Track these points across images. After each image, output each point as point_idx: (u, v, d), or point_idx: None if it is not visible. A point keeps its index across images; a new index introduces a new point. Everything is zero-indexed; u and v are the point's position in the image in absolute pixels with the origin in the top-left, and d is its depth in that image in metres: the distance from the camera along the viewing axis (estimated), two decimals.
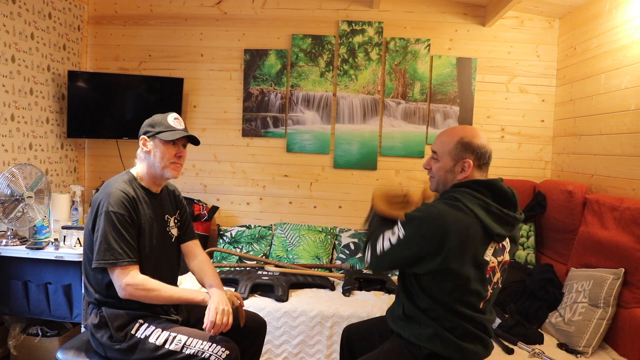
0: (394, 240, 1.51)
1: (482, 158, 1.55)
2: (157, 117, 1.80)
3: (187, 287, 2.74)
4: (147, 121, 1.81)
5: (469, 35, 3.43)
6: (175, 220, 1.93)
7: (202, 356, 1.61)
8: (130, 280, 1.63)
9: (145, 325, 1.68)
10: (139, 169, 1.82)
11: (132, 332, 1.67)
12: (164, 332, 1.66)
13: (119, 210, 1.65)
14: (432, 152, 1.63)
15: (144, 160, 1.80)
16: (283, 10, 3.52)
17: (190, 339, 1.65)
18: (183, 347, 1.63)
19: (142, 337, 1.66)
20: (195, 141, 1.85)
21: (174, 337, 1.65)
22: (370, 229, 1.70)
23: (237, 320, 1.82)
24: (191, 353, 1.62)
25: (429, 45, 3.42)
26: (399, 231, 1.50)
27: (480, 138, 1.56)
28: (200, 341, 1.64)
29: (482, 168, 1.57)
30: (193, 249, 2.00)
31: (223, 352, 1.62)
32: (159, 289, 1.67)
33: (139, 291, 1.64)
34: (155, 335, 1.65)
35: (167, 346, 1.63)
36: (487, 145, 1.56)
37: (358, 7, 3.47)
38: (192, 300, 1.73)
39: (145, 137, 1.77)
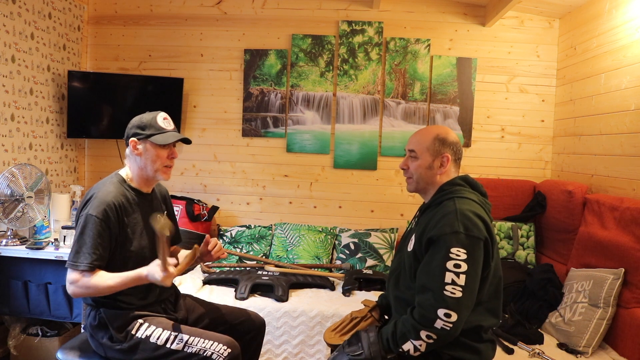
0: (461, 277, 1.41)
1: (457, 152, 1.64)
2: (145, 118, 1.76)
3: (187, 287, 2.74)
4: (134, 122, 1.77)
5: (469, 35, 3.43)
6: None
7: (204, 354, 1.61)
8: (72, 278, 1.60)
9: (146, 325, 1.68)
10: (128, 170, 1.80)
11: (133, 332, 1.67)
12: (165, 331, 1.66)
13: (98, 215, 1.63)
14: (408, 152, 1.68)
15: (134, 162, 1.77)
16: (283, 10, 3.52)
17: (192, 338, 1.65)
18: (184, 345, 1.63)
19: (143, 337, 1.65)
20: (187, 141, 1.83)
21: (175, 336, 1.65)
22: (397, 341, 1.49)
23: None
24: (193, 352, 1.62)
25: (429, 45, 3.42)
26: (461, 264, 1.42)
27: (453, 134, 1.66)
28: (202, 340, 1.64)
29: (457, 162, 1.66)
30: (177, 250, 2.06)
31: (225, 350, 1.62)
32: (95, 285, 1.59)
33: (79, 289, 1.60)
34: (156, 334, 1.65)
35: (168, 345, 1.63)
36: (460, 141, 1.66)
37: (358, 7, 3.47)
38: (136, 279, 1.62)
39: (135, 139, 1.74)
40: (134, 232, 1.73)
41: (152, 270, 1.58)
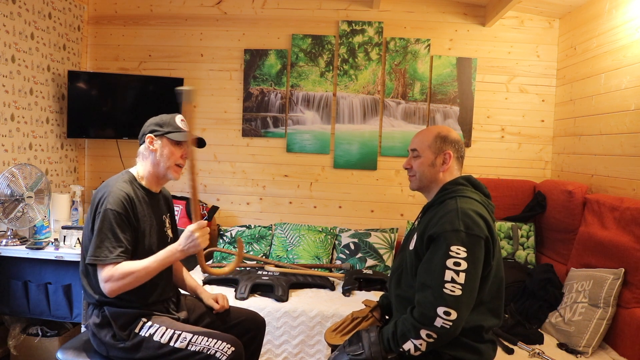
0: (461, 275, 1.41)
1: (459, 150, 1.66)
2: (164, 117, 1.81)
3: None
4: (152, 120, 1.82)
5: (469, 35, 3.43)
6: (169, 222, 1.94)
7: (208, 353, 1.62)
8: (107, 275, 1.59)
9: (149, 323, 1.69)
10: (139, 169, 1.82)
11: (136, 330, 1.67)
12: (169, 329, 1.67)
13: (117, 209, 1.64)
14: (411, 152, 1.70)
15: (147, 158, 1.80)
16: (283, 10, 3.52)
17: (195, 336, 1.65)
18: (188, 344, 1.64)
19: (147, 335, 1.66)
20: (202, 144, 1.86)
21: (179, 335, 1.65)
22: (398, 341, 1.49)
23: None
24: (196, 350, 1.62)
25: (429, 45, 3.42)
26: (461, 263, 1.42)
27: (455, 133, 1.67)
28: (206, 338, 1.65)
29: (460, 161, 1.67)
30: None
31: (229, 348, 1.63)
32: (132, 270, 1.60)
33: (116, 282, 1.59)
34: (159, 333, 1.66)
35: (172, 344, 1.64)
36: (461, 140, 1.68)
37: (358, 7, 3.47)
38: (170, 259, 1.65)
39: (152, 135, 1.78)
40: (144, 229, 1.74)
41: (183, 239, 1.65)
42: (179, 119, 1.82)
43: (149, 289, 1.75)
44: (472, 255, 1.43)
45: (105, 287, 1.61)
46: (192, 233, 1.64)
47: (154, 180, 1.83)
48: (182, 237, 1.66)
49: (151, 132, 1.79)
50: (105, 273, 1.60)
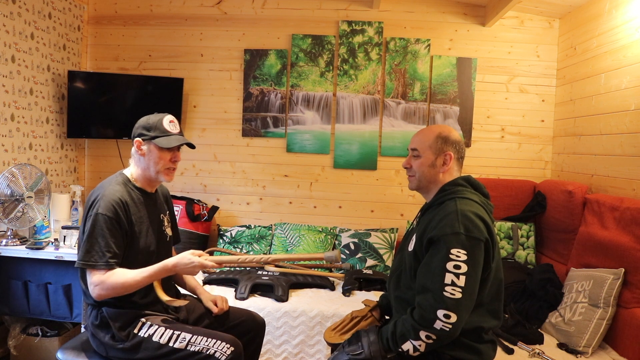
0: (461, 278, 1.41)
1: (460, 151, 1.65)
2: (152, 120, 1.77)
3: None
4: (141, 122, 1.78)
5: (469, 35, 3.43)
6: (167, 220, 1.94)
7: (207, 353, 1.62)
8: (97, 280, 1.60)
9: (148, 324, 1.69)
10: (132, 170, 1.81)
11: (135, 331, 1.67)
12: (167, 330, 1.67)
13: (108, 213, 1.63)
14: (411, 151, 1.68)
15: (138, 162, 1.79)
16: (283, 10, 3.52)
17: (195, 337, 1.65)
18: (187, 344, 1.64)
19: (146, 335, 1.66)
20: (191, 145, 1.85)
21: (178, 335, 1.65)
22: (397, 341, 1.49)
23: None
24: (196, 350, 1.62)
25: (429, 45, 3.42)
26: (461, 266, 1.41)
27: (456, 133, 1.65)
28: (205, 338, 1.65)
29: (460, 162, 1.66)
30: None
31: (228, 348, 1.63)
32: (123, 282, 1.61)
33: (106, 290, 1.61)
34: (158, 333, 1.66)
35: (171, 344, 1.64)
36: (462, 141, 1.66)
37: (358, 7, 3.47)
38: (162, 272, 1.67)
39: (140, 140, 1.75)
40: (140, 231, 1.74)
41: (181, 261, 1.67)
42: (167, 120, 1.77)
43: (148, 290, 1.75)
44: (472, 258, 1.43)
45: (94, 291, 1.62)
46: (194, 263, 1.67)
47: (146, 182, 1.81)
48: (181, 259, 1.67)
49: (139, 135, 1.76)
50: (95, 278, 1.61)
